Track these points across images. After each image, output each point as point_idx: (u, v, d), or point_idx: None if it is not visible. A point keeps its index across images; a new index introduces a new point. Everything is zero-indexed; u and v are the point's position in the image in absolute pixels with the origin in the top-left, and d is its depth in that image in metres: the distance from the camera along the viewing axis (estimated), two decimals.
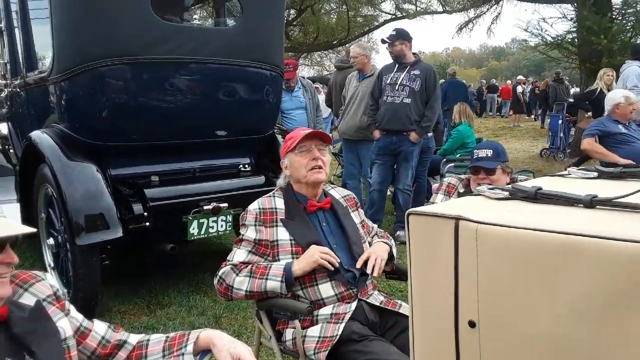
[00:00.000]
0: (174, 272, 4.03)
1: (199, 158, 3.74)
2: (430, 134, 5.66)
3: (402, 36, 4.91)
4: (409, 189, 4.97)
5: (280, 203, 2.17)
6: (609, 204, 1.05)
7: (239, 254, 2.08)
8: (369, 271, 2.04)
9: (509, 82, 24.00)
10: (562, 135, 9.72)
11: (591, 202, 1.07)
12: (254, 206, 2.15)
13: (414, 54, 5.08)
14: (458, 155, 6.03)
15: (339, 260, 2.02)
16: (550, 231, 0.93)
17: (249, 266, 2.03)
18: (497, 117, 21.48)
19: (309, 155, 2.13)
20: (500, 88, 23.01)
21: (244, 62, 3.66)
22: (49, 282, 1.44)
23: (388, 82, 4.88)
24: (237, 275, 2.01)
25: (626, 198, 1.04)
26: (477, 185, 2.83)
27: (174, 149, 3.59)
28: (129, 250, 3.61)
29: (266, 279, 1.97)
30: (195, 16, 5.35)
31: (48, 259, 3.56)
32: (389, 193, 5.63)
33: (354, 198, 2.37)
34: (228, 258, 2.09)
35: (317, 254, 1.99)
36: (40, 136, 3.34)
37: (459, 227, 1.06)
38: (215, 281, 2.06)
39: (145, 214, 3.17)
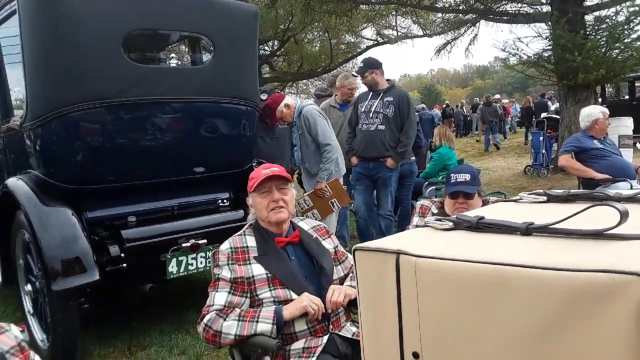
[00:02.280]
0: (155, 311, 3.99)
1: (177, 196, 3.76)
2: (413, 158, 5.72)
3: (370, 66, 5.01)
4: (390, 214, 4.99)
5: (251, 241, 2.19)
6: (544, 230, 1.08)
7: (218, 297, 2.05)
8: (329, 310, 2.05)
9: (497, 96, 24.13)
10: (544, 151, 9.83)
11: (527, 230, 1.09)
12: (225, 246, 2.17)
13: (387, 80, 5.16)
14: (440, 178, 6.07)
15: (324, 312, 2.03)
16: (483, 262, 0.95)
17: (238, 310, 2.02)
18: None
19: (269, 197, 2.17)
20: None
21: (219, 98, 3.72)
22: (13, 334, 1.43)
23: (363, 110, 4.96)
24: (225, 320, 1.99)
25: (561, 224, 1.06)
26: (455, 209, 2.85)
27: (151, 188, 3.60)
28: (109, 292, 3.58)
29: (257, 321, 1.96)
30: (172, 55, 5.41)
31: (27, 305, 3.52)
32: None
33: (324, 227, 2.40)
34: (208, 303, 2.06)
35: (306, 301, 2.00)
36: (16, 183, 3.34)
37: (399, 261, 1.08)
38: (200, 329, 2.02)
39: (122, 255, 3.17)
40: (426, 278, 1.03)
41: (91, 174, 3.34)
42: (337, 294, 2.06)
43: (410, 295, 1.06)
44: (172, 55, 5.42)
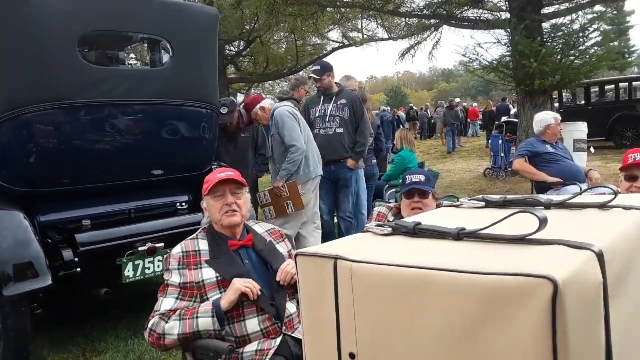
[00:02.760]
0: (111, 315, 3.95)
1: (134, 199, 3.73)
2: (374, 161, 5.80)
3: (327, 69, 5.09)
4: (350, 215, 5.06)
5: (203, 244, 2.20)
6: (473, 235, 1.14)
7: (166, 303, 2.07)
8: (278, 278, 2.12)
9: (458, 100, 24.67)
10: (502, 154, 10.09)
11: (458, 235, 1.15)
12: (176, 250, 2.18)
13: (336, 83, 5.23)
14: (401, 181, 6.16)
15: (259, 288, 2.06)
16: (410, 266, 1.00)
17: (178, 310, 2.04)
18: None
19: (222, 200, 2.20)
20: (468, 109, 23.30)
21: (178, 101, 3.71)
22: None
23: (317, 114, 5.01)
24: (167, 322, 2.01)
25: (490, 229, 1.12)
26: (411, 209, 2.93)
27: (107, 191, 3.57)
28: (63, 296, 3.52)
29: (196, 317, 1.98)
30: (131, 55, 5.35)
31: None
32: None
33: (278, 230, 2.43)
34: (155, 308, 2.08)
35: (237, 284, 2.03)
36: None
37: (337, 265, 1.12)
38: (146, 334, 2.04)
39: (76, 259, 3.13)
40: (361, 282, 1.08)
41: (45, 176, 3.29)
42: (291, 265, 2.09)
43: (347, 299, 1.11)
44: (132, 55, 5.35)
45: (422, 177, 3.04)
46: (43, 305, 3.19)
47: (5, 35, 3.10)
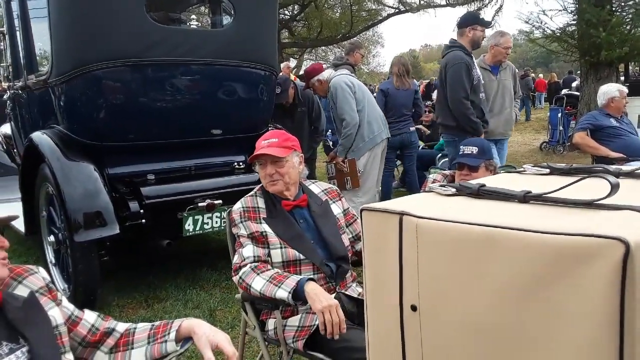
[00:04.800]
0: (172, 267, 4.16)
1: (195, 156, 3.86)
2: (412, 129, 5.70)
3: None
4: None
5: (261, 202, 2.27)
6: (540, 199, 1.15)
7: (246, 252, 2.13)
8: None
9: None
10: (561, 128, 9.75)
11: (524, 197, 1.17)
12: (237, 206, 2.26)
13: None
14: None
15: (344, 320, 1.94)
16: (476, 224, 1.03)
17: (272, 272, 2.08)
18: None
19: (264, 170, 2.24)
20: (535, 80, 22.10)
21: (238, 62, 3.77)
22: (41, 275, 1.54)
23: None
24: (258, 275, 2.07)
25: (556, 193, 1.13)
26: (459, 181, 2.93)
27: (169, 148, 3.70)
28: (128, 246, 3.73)
29: (279, 287, 2.02)
30: (193, 16, 5.43)
31: (50, 255, 3.70)
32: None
33: (335, 190, 2.44)
34: (237, 260, 2.15)
35: (328, 309, 1.90)
36: (40, 137, 3.47)
37: (402, 221, 1.16)
38: (236, 280, 2.13)
39: (142, 211, 3.30)
40: (426, 237, 1.12)
41: (112, 131, 3.44)
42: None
43: (411, 253, 1.15)
44: (193, 16, 5.43)
45: (474, 150, 3.02)
46: (110, 253, 3.40)
47: None
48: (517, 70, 5.05)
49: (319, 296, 1.94)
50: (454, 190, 1.31)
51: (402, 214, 1.16)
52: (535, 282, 0.95)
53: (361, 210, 1.26)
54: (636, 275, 0.85)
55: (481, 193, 1.25)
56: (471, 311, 1.05)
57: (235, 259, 2.18)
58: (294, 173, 2.28)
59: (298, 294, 1.98)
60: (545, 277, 0.93)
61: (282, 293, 1.99)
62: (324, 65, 5.89)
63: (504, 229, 0.99)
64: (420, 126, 7.25)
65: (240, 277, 2.11)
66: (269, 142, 2.25)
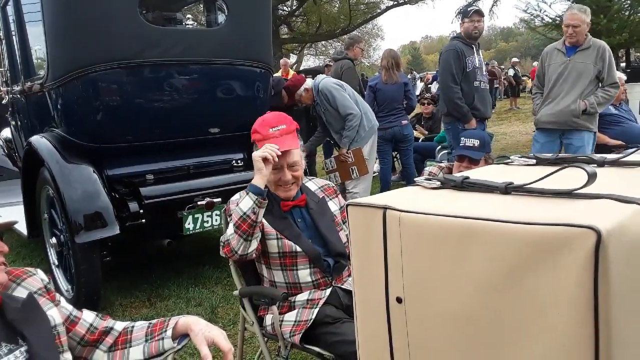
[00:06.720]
0: (174, 266, 4.20)
1: (193, 155, 3.88)
2: (404, 122, 5.72)
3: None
4: None
5: None
6: (521, 189, 1.16)
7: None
8: None
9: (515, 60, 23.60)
10: None
11: (506, 189, 1.18)
12: (234, 198, 2.23)
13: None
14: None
15: (277, 148, 2.04)
16: (456, 216, 1.05)
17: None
18: (505, 100, 21.28)
19: (280, 175, 2.16)
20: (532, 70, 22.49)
21: (233, 60, 3.79)
22: (40, 277, 1.56)
23: (476, 65, 4.75)
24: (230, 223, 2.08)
25: (537, 183, 1.14)
26: (460, 172, 2.95)
27: (168, 147, 3.73)
28: (129, 246, 3.77)
29: (237, 205, 2.04)
30: (188, 16, 5.45)
31: (52, 257, 3.74)
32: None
33: (332, 187, 2.43)
34: (222, 238, 2.14)
35: (256, 155, 2.03)
36: (39, 140, 3.50)
37: (386, 215, 1.18)
38: (222, 251, 2.11)
39: (141, 211, 3.33)
40: (408, 231, 1.14)
41: (110, 132, 3.47)
42: None
43: (395, 247, 1.17)
44: (188, 16, 5.45)
45: (476, 143, 3.03)
46: (112, 253, 3.44)
47: None
48: (609, 53, 4.35)
49: (255, 167, 2.04)
50: (438, 183, 1.33)
51: (385, 208, 1.18)
52: (513, 272, 0.97)
53: (347, 206, 1.28)
54: (608, 262, 0.86)
55: (465, 185, 1.27)
56: (453, 302, 1.07)
57: (222, 237, 2.14)
58: (302, 177, 2.26)
59: (254, 188, 2.01)
60: (523, 266, 0.95)
61: (245, 202, 2.00)
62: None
63: (482, 221, 1.00)
64: (416, 132, 7.23)
65: (222, 242, 2.09)
66: (279, 130, 2.13)
